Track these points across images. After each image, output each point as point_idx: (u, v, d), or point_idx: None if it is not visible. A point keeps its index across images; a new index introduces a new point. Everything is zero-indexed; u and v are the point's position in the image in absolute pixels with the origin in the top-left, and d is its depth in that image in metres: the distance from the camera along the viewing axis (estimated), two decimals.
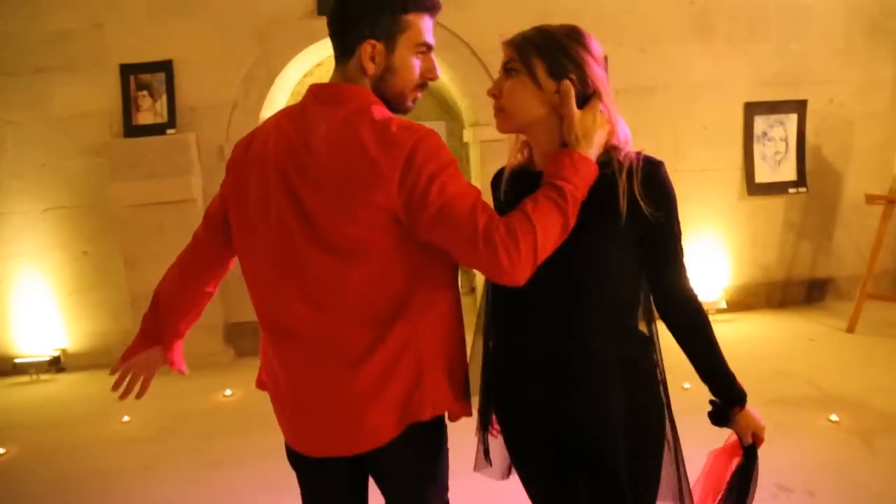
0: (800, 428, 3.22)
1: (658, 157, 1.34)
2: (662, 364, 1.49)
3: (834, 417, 3.28)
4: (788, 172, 5.14)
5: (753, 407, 1.44)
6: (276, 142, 1.37)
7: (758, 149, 5.07)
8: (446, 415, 1.44)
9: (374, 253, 1.29)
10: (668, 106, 4.91)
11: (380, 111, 1.32)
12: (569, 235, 1.27)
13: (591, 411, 1.39)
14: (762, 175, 5.10)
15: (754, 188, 5.10)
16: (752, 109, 5.04)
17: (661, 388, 1.46)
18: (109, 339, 4.78)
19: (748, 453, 1.48)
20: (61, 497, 2.97)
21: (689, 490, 1.52)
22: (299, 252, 1.33)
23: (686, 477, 1.51)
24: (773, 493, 2.67)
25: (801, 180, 5.16)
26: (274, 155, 1.36)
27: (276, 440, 3.46)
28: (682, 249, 1.39)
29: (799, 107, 5.09)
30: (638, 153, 1.35)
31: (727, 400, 1.43)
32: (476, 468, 1.62)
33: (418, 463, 1.44)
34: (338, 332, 1.33)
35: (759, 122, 5.05)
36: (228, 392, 4.05)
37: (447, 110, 7.03)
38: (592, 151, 1.30)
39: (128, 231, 4.51)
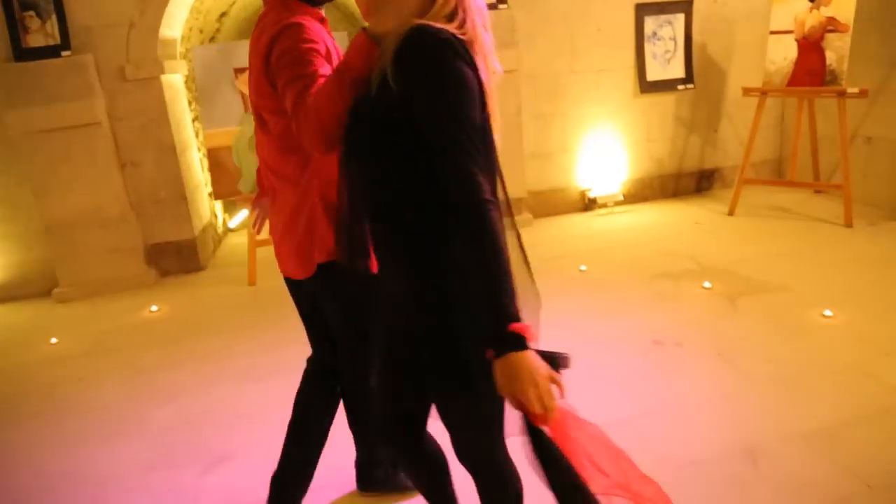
0: (677, 295, 3.67)
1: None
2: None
3: (707, 284, 3.74)
4: (677, 70, 5.47)
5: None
6: None
7: (648, 48, 5.36)
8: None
9: (277, 126, 1.68)
10: (564, 9, 5.08)
11: (280, 12, 1.63)
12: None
13: (395, 297, 1.39)
14: (653, 73, 5.41)
15: (646, 86, 5.42)
16: (643, 10, 5.28)
17: None
18: (26, 270, 4.76)
19: (527, 431, 1.18)
20: None
21: None
22: (258, 131, 1.79)
23: None
24: (648, 347, 3.10)
25: (688, 77, 5.51)
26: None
27: (207, 345, 3.70)
28: (454, 141, 1.17)
29: (686, 6, 5.37)
30: (417, 25, 1.21)
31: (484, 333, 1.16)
32: None
33: (334, 303, 1.80)
34: (272, 188, 1.82)
35: (649, 23, 5.31)
36: (154, 308, 4.17)
37: (353, 22, 7.00)
38: (380, 23, 1.28)
39: (33, 159, 4.43)
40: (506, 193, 1.33)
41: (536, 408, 1.13)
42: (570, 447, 1.17)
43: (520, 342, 1.13)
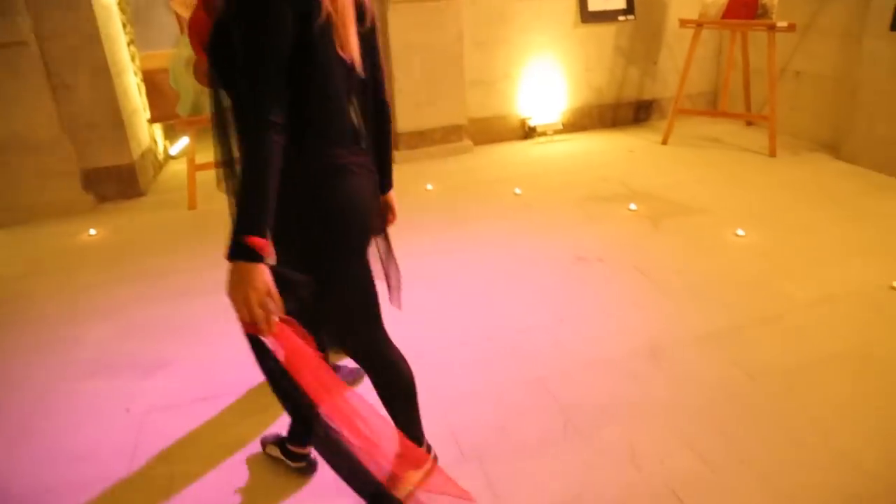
0: (604, 216, 3.85)
1: None
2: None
3: (633, 207, 3.92)
4: (618, 1, 5.53)
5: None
6: None
7: None
8: None
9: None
10: None
11: None
12: None
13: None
14: (595, 4, 5.45)
15: (587, 16, 5.47)
16: None
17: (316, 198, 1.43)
18: None
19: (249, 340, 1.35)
20: None
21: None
22: None
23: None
24: (571, 262, 3.28)
25: (629, 8, 5.57)
26: None
27: (147, 265, 3.73)
28: (246, 65, 1.25)
29: None
30: None
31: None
32: None
33: None
34: None
35: None
36: (93, 231, 4.15)
37: None
38: None
39: None
40: (355, 113, 1.50)
41: (244, 315, 1.26)
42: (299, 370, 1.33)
43: (250, 254, 1.23)
